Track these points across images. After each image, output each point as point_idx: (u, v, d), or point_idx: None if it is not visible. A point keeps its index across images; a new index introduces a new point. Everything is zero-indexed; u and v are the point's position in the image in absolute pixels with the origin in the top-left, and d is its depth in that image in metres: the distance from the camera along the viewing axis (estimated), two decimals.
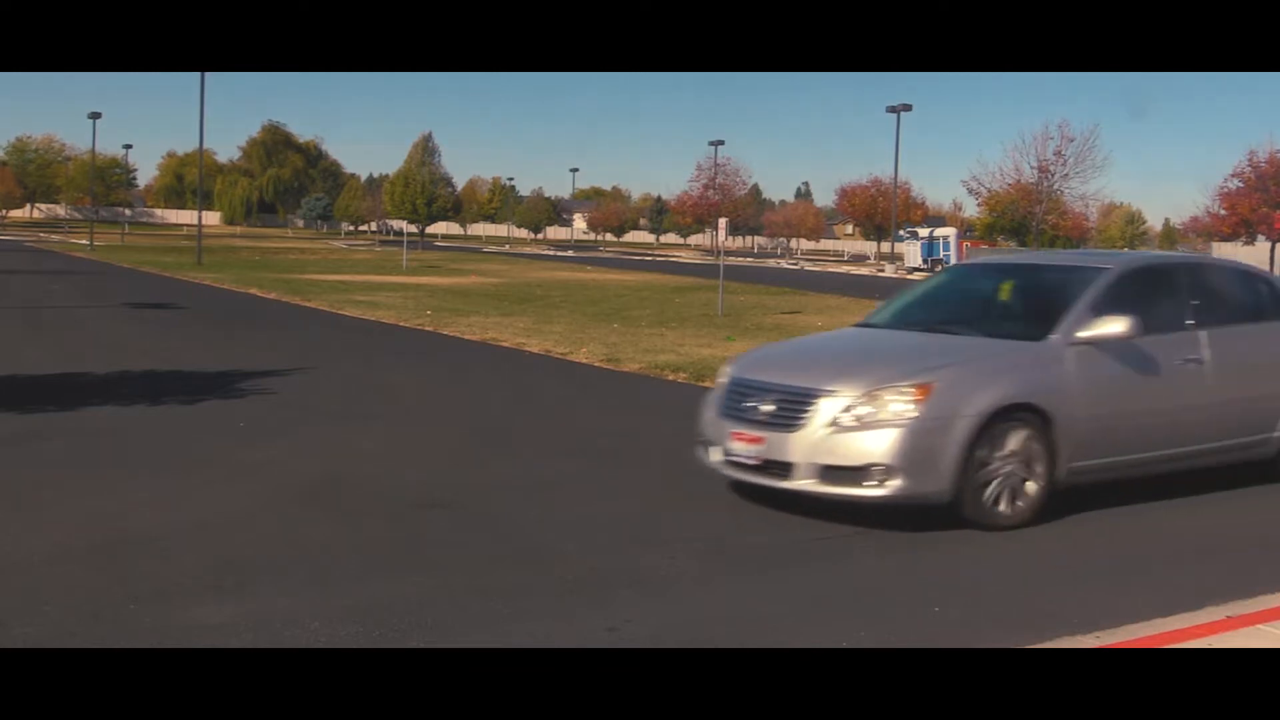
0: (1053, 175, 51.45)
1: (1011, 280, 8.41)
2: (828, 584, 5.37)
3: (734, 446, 6.51)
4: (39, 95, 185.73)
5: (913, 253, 62.37)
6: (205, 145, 52.73)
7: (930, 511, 6.27)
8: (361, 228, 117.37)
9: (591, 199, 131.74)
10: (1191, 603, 5.00)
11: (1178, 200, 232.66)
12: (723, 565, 5.57)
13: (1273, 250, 51.43)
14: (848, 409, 6.20)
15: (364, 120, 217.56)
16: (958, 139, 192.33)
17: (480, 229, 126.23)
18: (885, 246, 66.91)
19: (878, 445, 6.09)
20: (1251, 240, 56.07)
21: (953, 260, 63.04)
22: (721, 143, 72.14)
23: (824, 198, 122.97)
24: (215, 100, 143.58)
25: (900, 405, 6.16)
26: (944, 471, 6.11)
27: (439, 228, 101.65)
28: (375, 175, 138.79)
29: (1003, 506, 6.31)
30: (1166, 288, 7.76)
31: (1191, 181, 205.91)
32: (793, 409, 6.35)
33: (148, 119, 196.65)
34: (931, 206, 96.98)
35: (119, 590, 4.87)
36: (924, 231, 67.45)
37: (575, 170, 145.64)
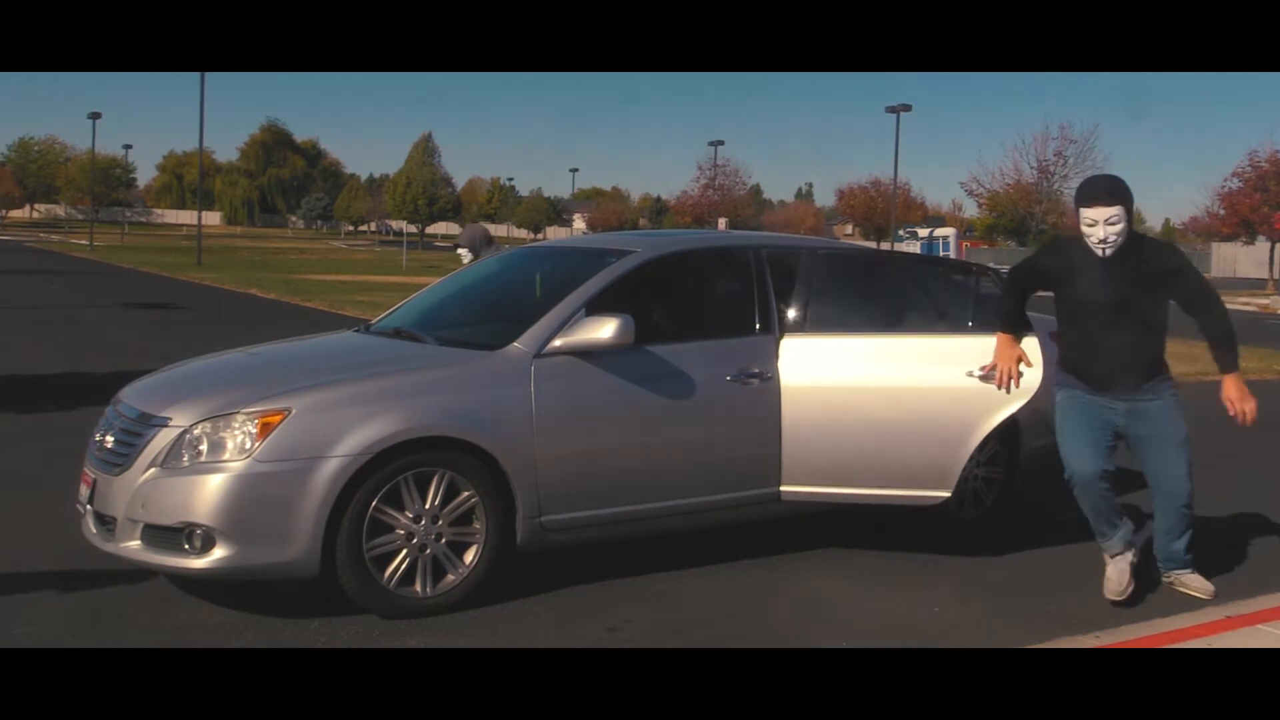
0: (1053, 176, 51.43)
1: (541, 270, 6.31)
2: (828, 584, 5.36)
3: (81, 490, 4.95)
4: (39, 95, 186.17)
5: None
6: (205, 145, 52.77)
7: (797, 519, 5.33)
8: (361, 228, 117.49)
9: (591, 199, 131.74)
10: (1192, 603, 5.01)
11: (1178, 200, 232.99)
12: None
13: (1273, 250, 51.40)
14: (178, 444, 4.53)
15: (364, 120, 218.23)
16: (958, 139, 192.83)
17: None
18: (885, 246, 66.87)
19: (196, 498, 4.41)
20: (1251, 240, 56.04)
21: None
22: (721, 143, 72.09)
23: (825, 198, 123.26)
24: (215, 100, 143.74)
25: (238, 441, 4.47)
26: (299, 535, 4.40)
27: (439, 228, 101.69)
28: (375, 175, 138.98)
29: (418, 586, 4.65)
30: (723, 280, 5.79)
31: (1191, 181, 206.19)
32: (128, 441, 4.71)
33: (148, 119, 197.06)
34: (931, 207, 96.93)
35: (119, 590, 4.87)
36: (924, 231, 67.46)
37: (575, 170, 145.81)
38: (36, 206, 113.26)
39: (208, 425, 4.54)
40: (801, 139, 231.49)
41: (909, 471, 5.39)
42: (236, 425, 4.50)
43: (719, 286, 5.82)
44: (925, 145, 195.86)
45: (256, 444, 4.45)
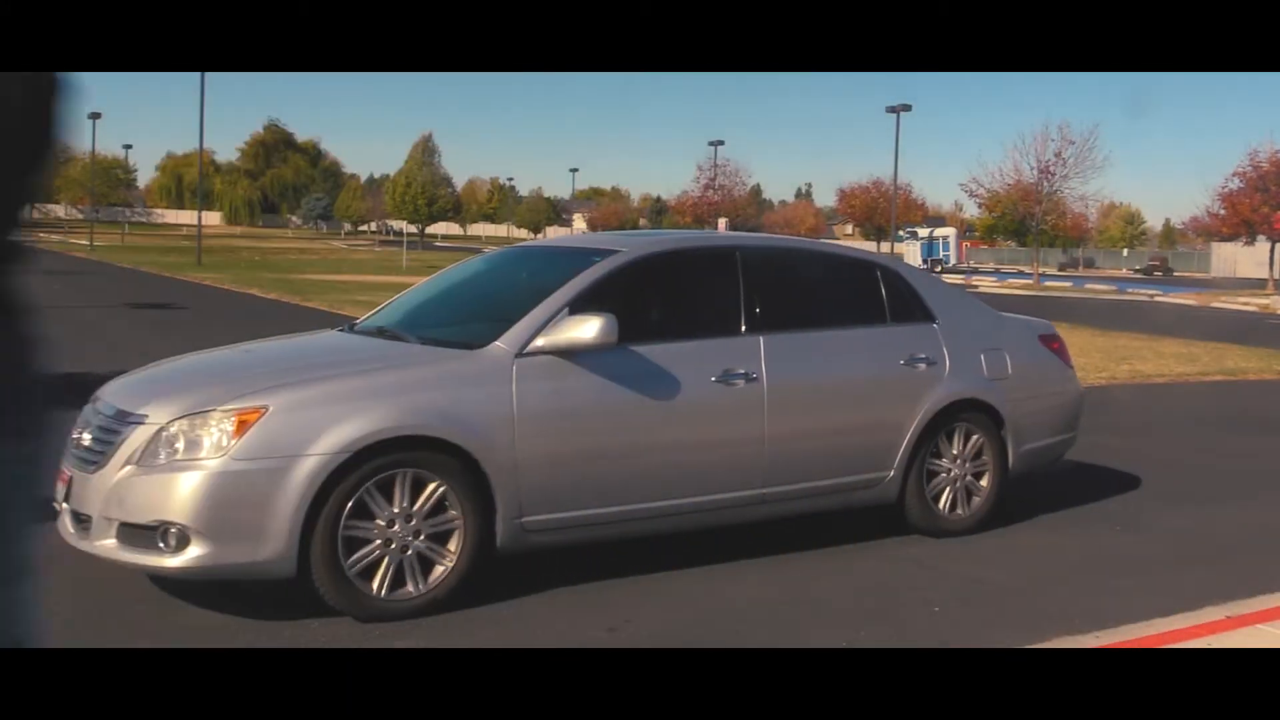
0: (1053, 176, 51.43)
1: (526, 269, 6.34)
2: (828, 584, 5.37)
3: (58, 488, 4.78)
4: None
5: (912, 253, 62.38)
6: (205, 145, 52.82)
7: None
8: (361, 228, 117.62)
9: (591, 199, 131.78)
10: (1191, 603, 5.00)
11: (1178, 200, 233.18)
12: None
13: (1273, 250, 51.41)
14: (154, 441, 4.45)
15: (364, 120, 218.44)
16: (958, 139, 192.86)
17: (480, 229, 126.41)
18: (885, 247, 66.89)
19: (171, 496, 4.34)
20: (1251, 240, 56.06)
21: (953, 261, 63.23)
22: (721, 143, 72.13)
23: (825, 198, 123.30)
24: (215, 100, 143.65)
25: (214, 439, 4.40)
26: (276, 534, 4.33)
27: (439, 228, 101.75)
28: (375, 175, 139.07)
29: (398, 587, 4.58)
30: (708, 280, 5.79)
31: (1191, 181, 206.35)
32: (105, 439, 4.63)
33: (148, 119, 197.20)
34: (931, 207, 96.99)
35: (119, 590, 4.88)
36: (924, 231, 67.49)
37: (575, 170, 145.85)
38: (36, 206, 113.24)
39: (184, 423, 4.46)
40: (802, 139, 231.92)
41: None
42: (213, 423, 4.43)
43: (704, 286, 5.80)
44: (925, 145, 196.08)
45: (233, 442, 4.38)
